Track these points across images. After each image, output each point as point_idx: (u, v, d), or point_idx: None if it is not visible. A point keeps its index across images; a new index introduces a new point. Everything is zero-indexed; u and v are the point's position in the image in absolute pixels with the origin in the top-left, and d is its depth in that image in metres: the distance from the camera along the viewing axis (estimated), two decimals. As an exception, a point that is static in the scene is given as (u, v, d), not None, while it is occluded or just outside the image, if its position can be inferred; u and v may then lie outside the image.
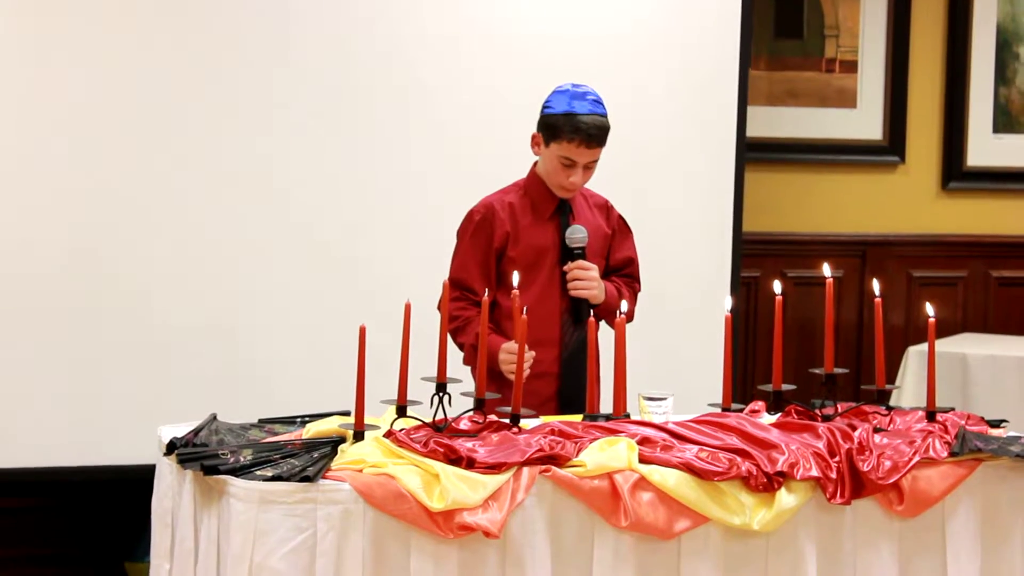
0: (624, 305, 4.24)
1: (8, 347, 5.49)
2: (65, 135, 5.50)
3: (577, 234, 4.56)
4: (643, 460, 3.79)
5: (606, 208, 4.74)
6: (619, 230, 4.76)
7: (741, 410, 4.28)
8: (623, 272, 4.75)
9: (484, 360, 3.94)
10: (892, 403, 4.34)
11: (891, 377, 6.49)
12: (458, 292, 4.51)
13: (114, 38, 5.51)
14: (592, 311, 4.52)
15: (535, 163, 4.63)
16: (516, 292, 4.06)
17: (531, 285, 4.48)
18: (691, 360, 5.98)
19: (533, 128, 4.59)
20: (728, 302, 4.39)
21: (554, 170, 4.53)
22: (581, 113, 4.46)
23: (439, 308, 4.42)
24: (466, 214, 4.63)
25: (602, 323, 4.43)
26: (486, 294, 4.05)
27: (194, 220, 5.62)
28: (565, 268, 4.55)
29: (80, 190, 5.52)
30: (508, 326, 4.44)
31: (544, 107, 4.55)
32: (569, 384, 4.54)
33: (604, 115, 4.51)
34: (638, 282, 4.79)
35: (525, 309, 4.01)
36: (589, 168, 4.54)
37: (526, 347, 4.30)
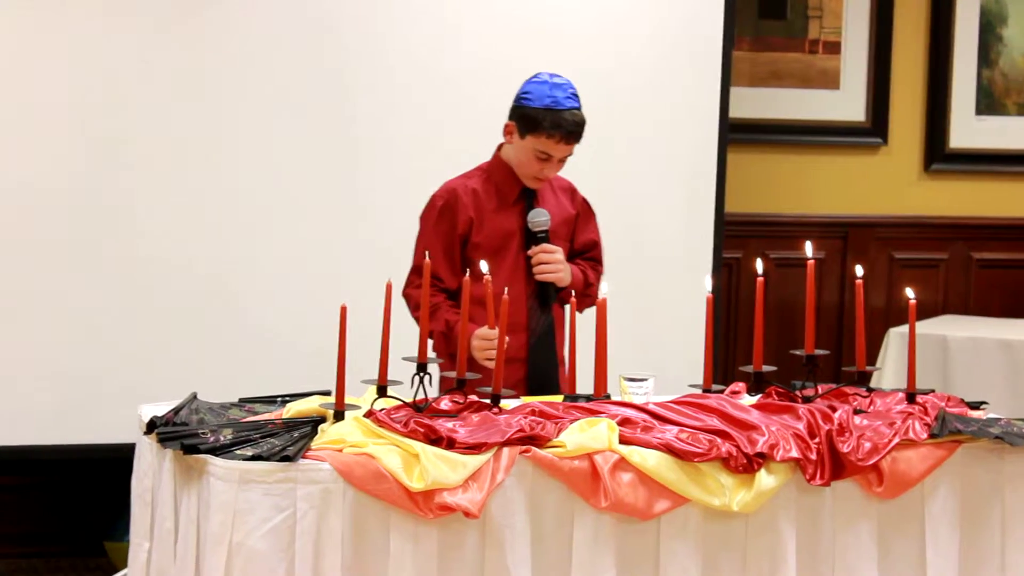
0: (605, 287, 4.22)
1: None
2: (58, 117, 5.50)
3: (539, 217, 4.51)
4: (623, 441, 3.79)
5: (571, 191, 4.70)
6: (583, 213, 4.71)
7: (722, 391, 4.29)
8: (588, 255, 4.70)
9: (465, 340, 3.94)
10: (873, 385, 4.34)
11: (872, 359, 6.50)
12: (422, 279, 4.30)
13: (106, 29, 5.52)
14: (558, 294, 4.52)
15: (500, 146, 4.57)
16: (488, 278, 4.00)
17: (497, 271, 4.40)
18: (672, 341, 5.99)
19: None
20: (709, 283, 4.38)
21: (527, 161, 4.47)
22: (562, 108, 4.41)
23: (403, 295, 4.44)
24: (428, 200, 4.57)
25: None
26: (466, 274, 4.04)
27: (176, 203, 5.62)
28: (529, 252, 4.52)
29: (65, 172, 5.51)
30: (476, 312, 4.28)
31: (521, 98, 4.48)
32: (537, 369, 4.52)
33: (580, 108, 4.46)
34: (601, 264, 4.75)
35: (507, 291, 3.99)
36: (562, 161, 4.49)
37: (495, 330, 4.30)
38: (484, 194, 4.53)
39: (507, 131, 4.52)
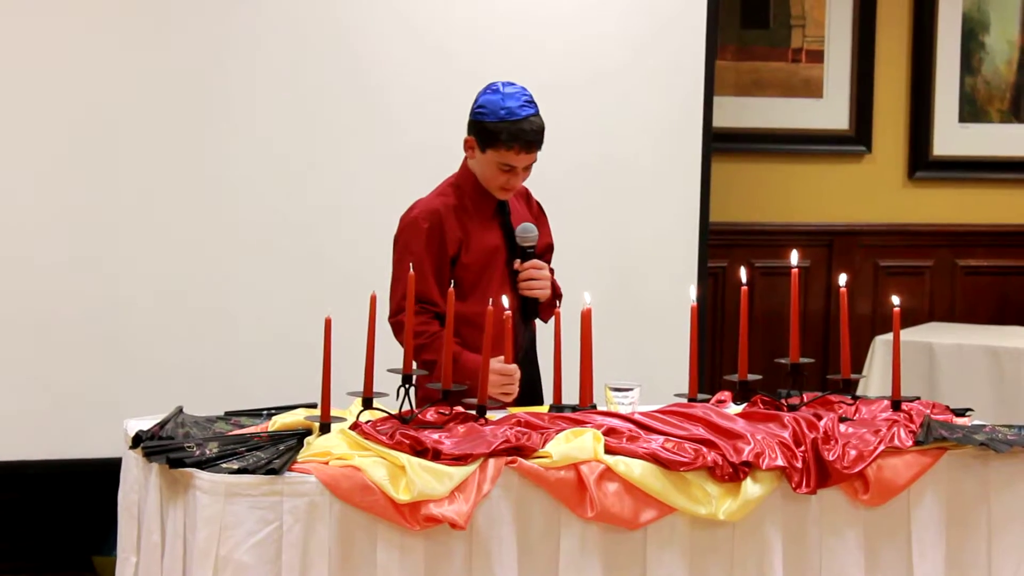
0: (588, 296, 4.19)
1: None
2: (46, 127, 5.51)
3: (529, 232, 4.45)
4: (609, 451, 3.79)
5: (526, 196, 4.64)
6: (539, 217, 4.65)
7: (707, 400, 4.29)
8: (544, 260, 4.61)
9: (451, 350, 3.93)
10: (859, 392, 4.36)
11: (858, 366, 6.51)
12: (416, 306, 4.19)
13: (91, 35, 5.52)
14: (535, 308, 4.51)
15: (466, 159, 4.49)
16: (508, 314, 3.97)
17: (486, 288, 4.36)
18: (658, 350, 5.99)
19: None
20: (694, 292, 4.38)
21: (492, 175, 4.40)
22: (518, 119, 4.32)
23: (393, 323, 4.35)
24: (408, 222, 4.44)
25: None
26: (452, 285, 4.03)
27: (159, 215, 5.61)
28: (518, 267, 4.46)
29: (48, 187, 5.51)
30: (468, 334, 4.27)
31: (476, 112, 4.39)
32: (524, 383, 4.47)
33: (538, 113, 4.38)
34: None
35: (507, 311, 3.98)
36: (527, 169, 4.42)
37: (513, 365, 4.26)
38: (464, 212, 4.45)
39: (468, 146, 4.44)
